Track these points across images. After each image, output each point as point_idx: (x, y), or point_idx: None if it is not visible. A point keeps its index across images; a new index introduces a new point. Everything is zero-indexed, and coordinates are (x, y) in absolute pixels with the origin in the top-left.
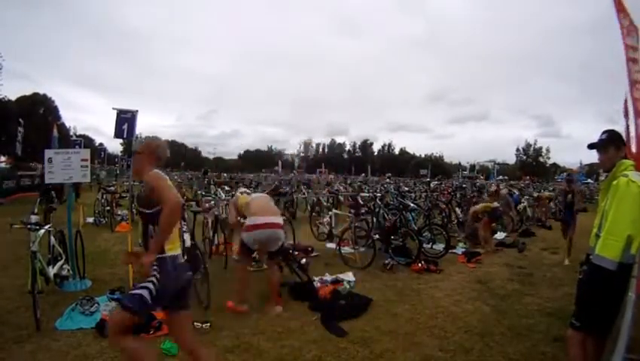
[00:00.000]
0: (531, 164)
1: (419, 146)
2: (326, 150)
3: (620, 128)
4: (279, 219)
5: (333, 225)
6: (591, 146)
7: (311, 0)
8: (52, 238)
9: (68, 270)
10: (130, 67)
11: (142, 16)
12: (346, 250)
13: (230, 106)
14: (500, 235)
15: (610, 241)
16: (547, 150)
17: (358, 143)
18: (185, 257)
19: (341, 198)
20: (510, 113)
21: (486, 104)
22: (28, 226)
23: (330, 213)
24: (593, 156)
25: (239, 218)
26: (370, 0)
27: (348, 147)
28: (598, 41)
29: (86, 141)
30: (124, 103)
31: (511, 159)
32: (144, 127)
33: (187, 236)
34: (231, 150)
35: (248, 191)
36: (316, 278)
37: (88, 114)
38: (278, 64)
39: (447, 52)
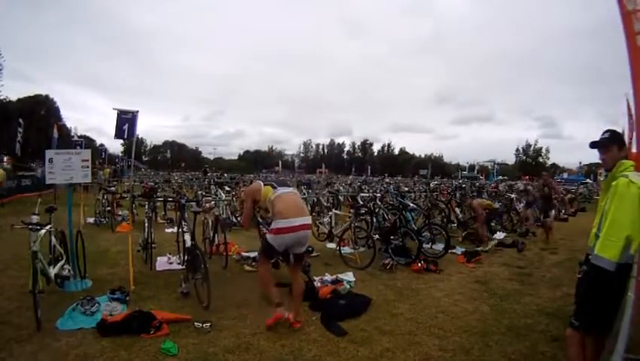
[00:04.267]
0: (531, 164)
1: (422, 147)
2: (326, 151)
3: (620, 130)
4: (309, 219)
5: (333, 225)
6: (593, 144)
7: (317, 1)
8: (53, 238)
9: (69, 270)
10: (136, 67)
11: (148, 16)
12: (346, 250)
13: (235, 107)
14: (500, 235)
15: (609, 242)
16: (547, 151)
17: (358, 143)
18: (186, 257)
19: (341, 198)
20: (513, 114)
21: (490, 105)
22: (29, 226)
23: (330, 213)
24: (592, 157)
25: (256, 212)
26: (376, 1)
27: (348, 148)
28: (602, 44)
29: (87, 142)
30: (129, 103)
31: (512, 160)
32: (148, 127)
33: (187, 236)
34: (233, 151)
35: (273, 184)
36: (316, 278)
37: (91, 115)
38: (284, 65)
39: (452, 54)
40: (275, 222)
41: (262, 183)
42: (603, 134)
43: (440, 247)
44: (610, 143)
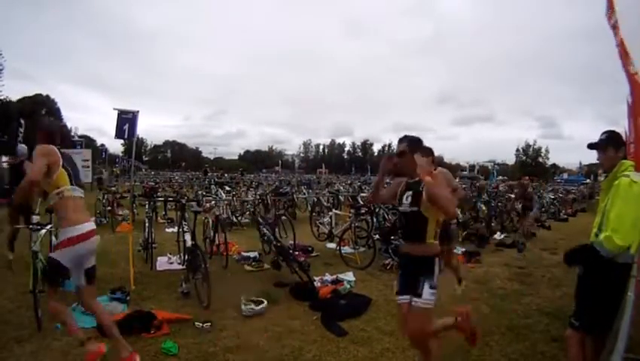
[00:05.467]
0: (531, 164)
1: None
2: (326, 151)
3: (620, 130)
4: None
5: (333, 225)
6: (591, 146)
7: (319, 1)
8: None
9: None
10: (137, 67)
11: (149, 16)
12: (346, 250)
13: (237, 107)
14: (499, 235)
15: (614, 239)
16: (547, 151)
17: (358, 143)
18: (186, 257)
19: (341, 198)
20: (513, 114)
21: (491, 106)
22: (30, 226)
23: (330, 213)
24: (593, 157)
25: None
26: (376, 1)
27: (348, 148)
28: (602, 44)
29: (87, 142)
30: (130, 103)
31: (512, 160)
32: (149, 127)
33: (187, 236)
34: (234, 151)
35: (70, 171)
36: (316, 278)
37: (92, 115)
38: (285, 65)
39: (453, 54)
40: (63, 231)
41: (60, 158)
42: (601, 136)
43: None
44: (606, 144)
